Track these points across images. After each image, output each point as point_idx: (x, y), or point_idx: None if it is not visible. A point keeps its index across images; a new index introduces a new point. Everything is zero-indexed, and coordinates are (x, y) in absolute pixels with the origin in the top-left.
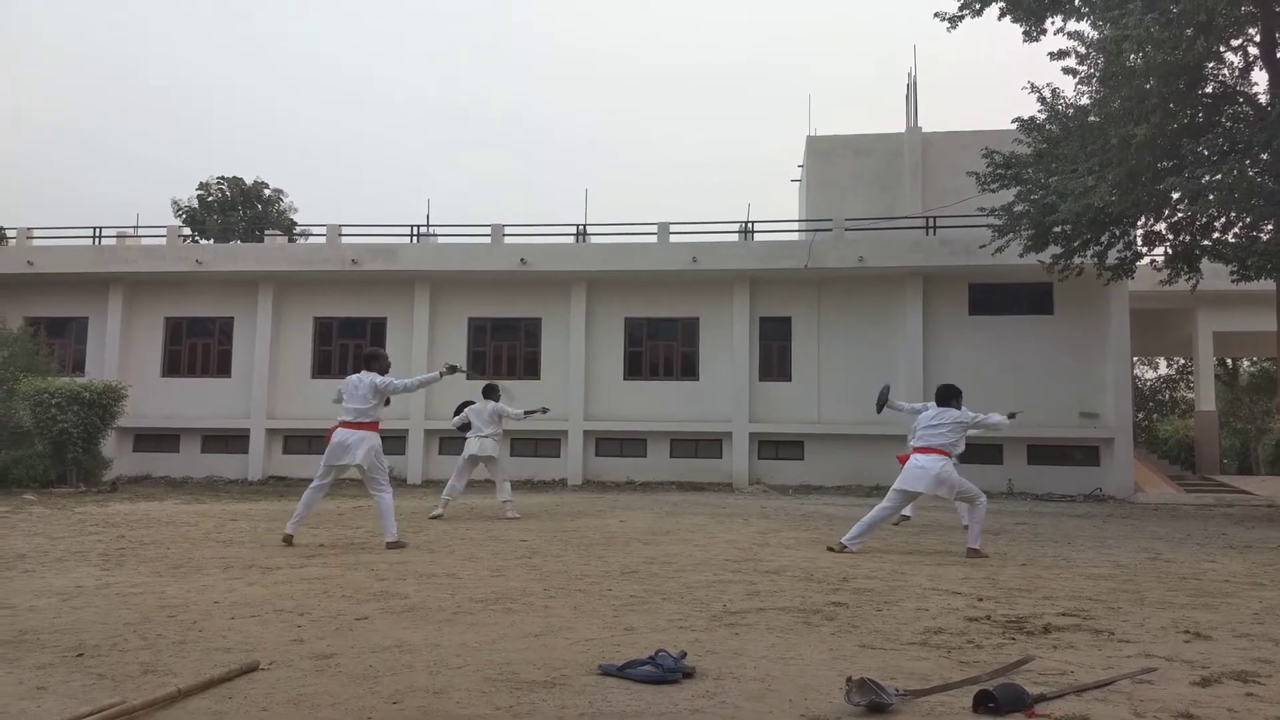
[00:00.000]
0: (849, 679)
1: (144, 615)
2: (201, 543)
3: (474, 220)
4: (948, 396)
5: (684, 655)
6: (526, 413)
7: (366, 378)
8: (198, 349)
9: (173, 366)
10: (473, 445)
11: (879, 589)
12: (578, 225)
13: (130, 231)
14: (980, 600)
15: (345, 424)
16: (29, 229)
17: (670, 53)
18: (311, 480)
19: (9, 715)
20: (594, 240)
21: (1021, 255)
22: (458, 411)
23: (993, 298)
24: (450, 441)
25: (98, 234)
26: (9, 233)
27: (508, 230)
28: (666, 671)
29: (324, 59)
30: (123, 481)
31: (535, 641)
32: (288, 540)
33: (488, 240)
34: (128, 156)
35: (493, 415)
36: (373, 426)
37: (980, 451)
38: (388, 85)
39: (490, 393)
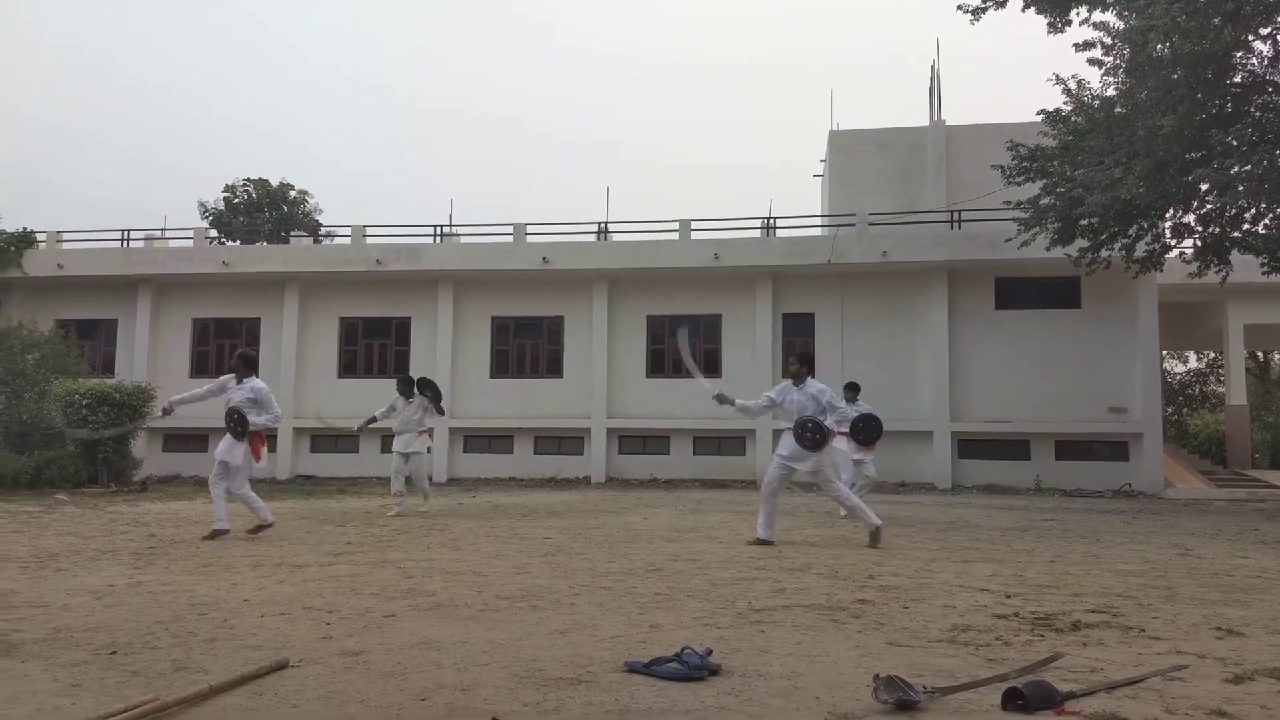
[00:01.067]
0: (876, 676)
1: (175, 613)
2: (230, 541)
3: (496, 220)
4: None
5: (710, 652)
6: (359, 427)
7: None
8: (225, 349)
9: (200, 367)
10: (412, 443)
11: (905, 586)
12: (599, 223)
13: (158, 234)
14: (1008, 597)
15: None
16: (58, 233)
17: (687, 51)
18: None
19: (45, 712)
20: (615, 238)
21: (1048, 249)
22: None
23: (1019, 292)
24: (475, 439)
25: (126, 237)
26: (39, 236)
27: (529, 229)
28: (692, 669)
29: (344, 64)
30: (153, 481)
31: (561, 639)
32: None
33: (510, 239)
34: (153, 161)
35: (423, 410)
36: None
37: (1008, 448)
38: (409, 89)
39: (425, 387)
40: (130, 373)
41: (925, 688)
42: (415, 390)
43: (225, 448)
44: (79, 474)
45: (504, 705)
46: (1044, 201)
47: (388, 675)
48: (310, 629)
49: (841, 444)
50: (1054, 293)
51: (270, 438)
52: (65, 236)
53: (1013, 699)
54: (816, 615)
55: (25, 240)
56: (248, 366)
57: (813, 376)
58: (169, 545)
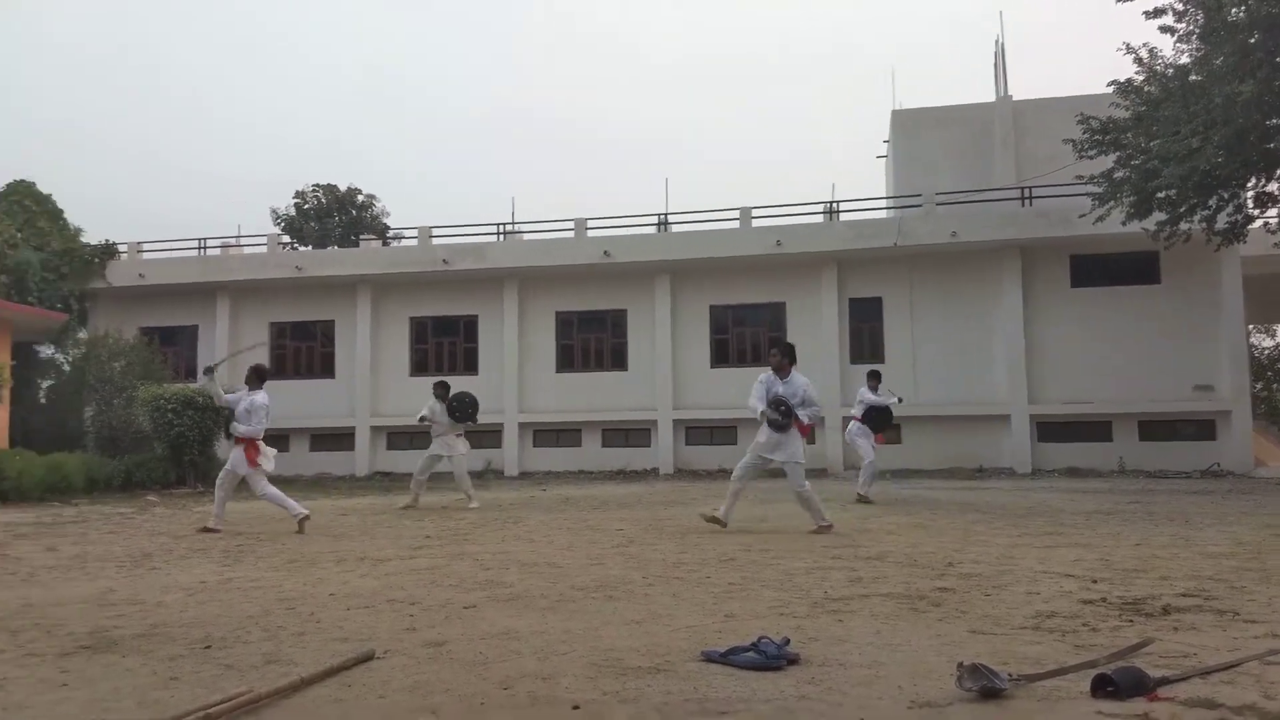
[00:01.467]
0: (960, 664)
1: (264, 608)
2: (314, 538)
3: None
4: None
5: (787, 642)
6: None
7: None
8: (302, 351)
9: (279, 369)
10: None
11: (987, 573)
12: (659, 215)
13: (233, 242)
14: (1094, 582)
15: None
16: (139, 244)
17: (741, 37)
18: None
19: (146, 704)
20: (675, 229)
21: (1124, 224)
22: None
23: (1095, 269)
24: (544, 434)
25: (203, 246)
26: (120, 248)
27: (590, 223)
28: (770, 658)
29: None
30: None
31: (637, 628)
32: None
33: (571, 234)
34: (221, 171)
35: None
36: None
37: (1090, 429)
38: (464, 89)
39: (445, 391)
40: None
41: (1010, 675)
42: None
43: (232, 455)
44: (167, 476)
45: (584, 694)
46: (1118, 175)
47: (470, 665)
48: (394, 621)
49: (855, 430)
50: (1132, 268)
51: (347, 436)
52: (145, 247)
53: (1103, 686)
54: (895, 604)
55: (108, 252)
56: (258, 379)
57: (795, 366)
58: (255, 543)
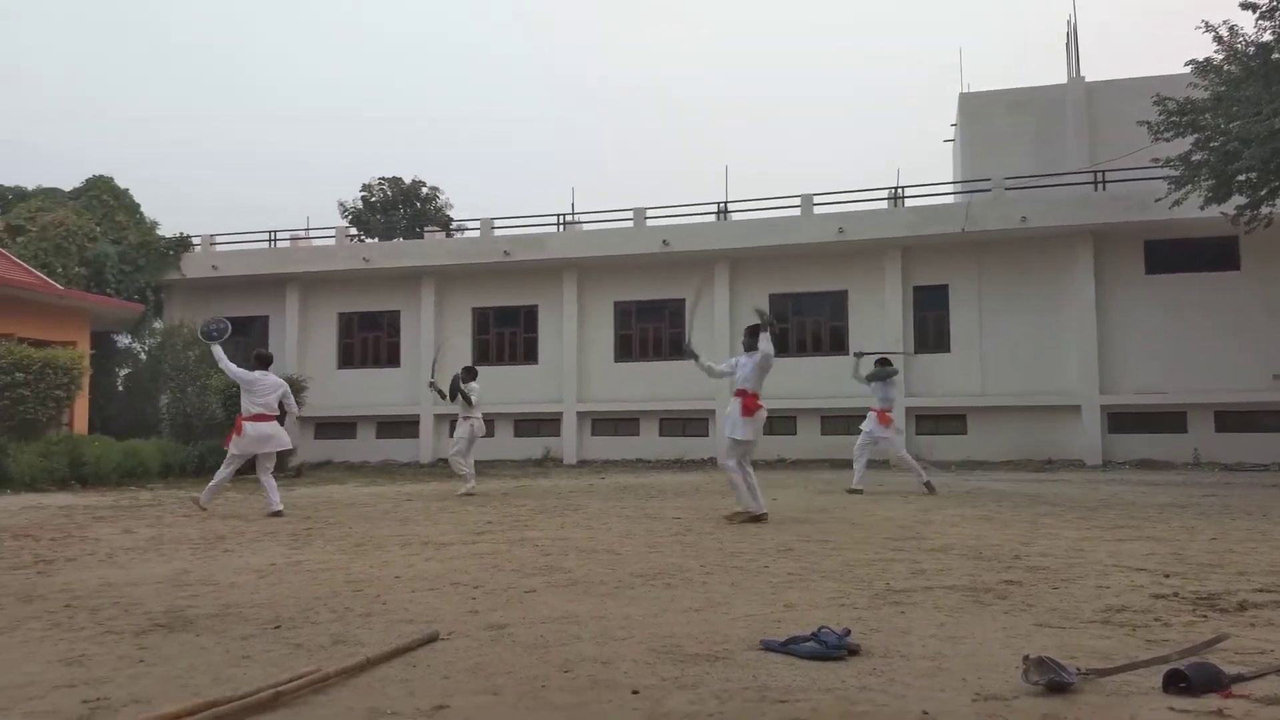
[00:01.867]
0: (1026, 657)
1: (332, 589)
2: (380, 522)
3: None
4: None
5: (848, 632)
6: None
7: (274, 378)
8: (368, 342)
9: (346, 359)
10: (480, 427)
11: (1055, 566)
12: (719, 203)
13: (302, 234)
14: (1167, 577)
15: (261, 417)
16: (211, 236)
17: (804, 15)
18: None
19: (220, 681)
20: (735, 217)
21: (1202, 208)
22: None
23: (1172, 255)
24: (602, 423)
25: (273, 238)
26: (194, 241)
27: (649, 213)
28: (830, 648)
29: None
30: (306, 467)
31: (695, 616)
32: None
33: (630, 224)
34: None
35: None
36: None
37: (1163, 420)
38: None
39: (469, 375)
40: (282, 366)
41: (1079, 669)
42: (470, 377)
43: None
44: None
45: (643, 679)
46: (1196, 157)
47: (531, 648)
48: (457, 604)
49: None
50: (1210, 254)
51: (412, 424)
52: (218, 240)
53: (1175, 681)
54: (960, 596)
55: (182, 245)
56: (259, 362)
57: (758, 345)
58: (324, 526)
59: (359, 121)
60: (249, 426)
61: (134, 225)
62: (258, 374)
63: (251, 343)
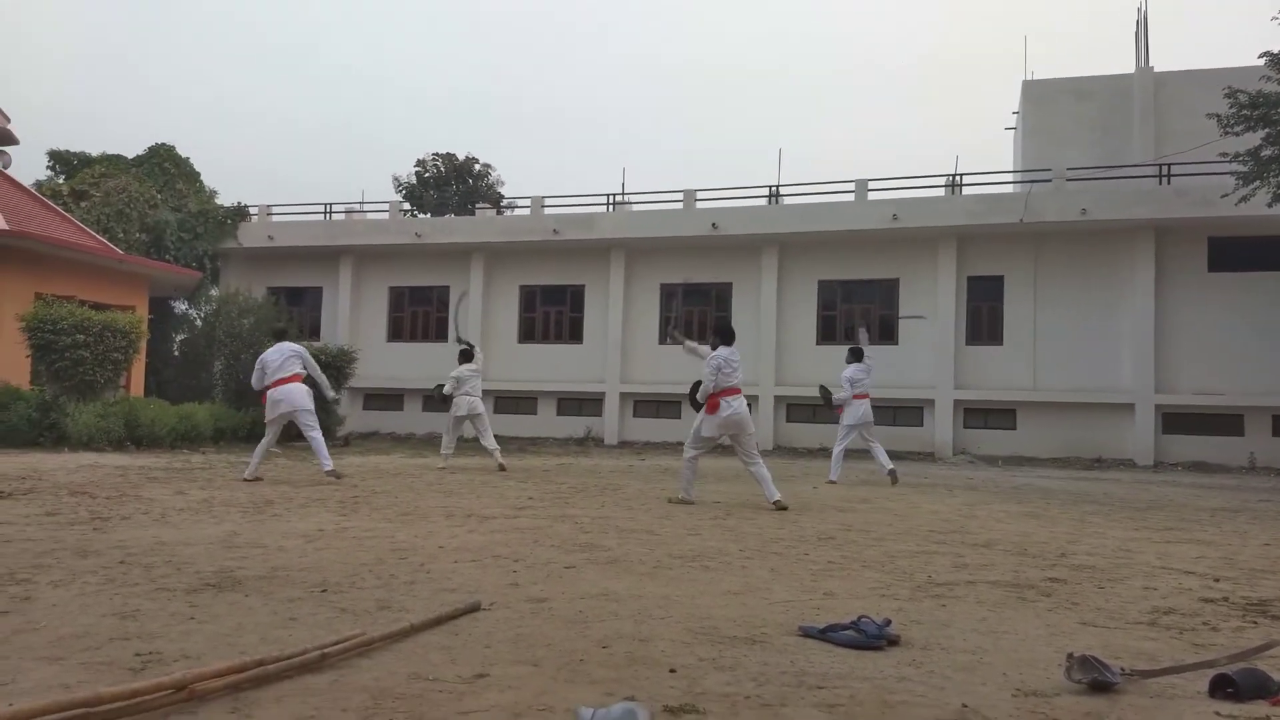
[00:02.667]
0: (1069, 655)
1: (378, 557)
2: (425, 493)
3: (668, 187)
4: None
5: (888, 623)
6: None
7: (287, 346)
8: (418, 316)
9: (396, 332)
10: (463, 405)
11: (1101, 565)
12: (770, 187)
13: (357, 207)
14: (1217, 581)
15: (278, 382)
16: (268, 207)
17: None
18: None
19: (268, 641)
20: (786, 202)
21: (1270, 205)
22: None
23: (1236, 252)
24: (644, 404)
25: (328, 210)
26: (251, 211)
27: (699, 195)
28: (870, 638)
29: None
30: (354, 437)
31: (734, 599)
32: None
33: (679, 206)
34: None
35: (477, 374)
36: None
37: (1219, 423)
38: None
39: (467, 357)
40: (335, 336)
41: (1123, 669)
42: (467, 359)
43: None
44: (290, 429)
45: (681, 659)
46: (1266, 153)
47: (571, 622)
48: (499, 576)
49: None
50: (1276, 253)
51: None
52: (274, 211)
53: (1222, 686)
54: (1003, 592)
55: (240, 214)
56: (274, 337)
57: (726, 345)
58: (370, 495)
59: (417, 96)
60: (269, 393)
61: (194, 194)
62: (270, 350)
63: (304, 313)
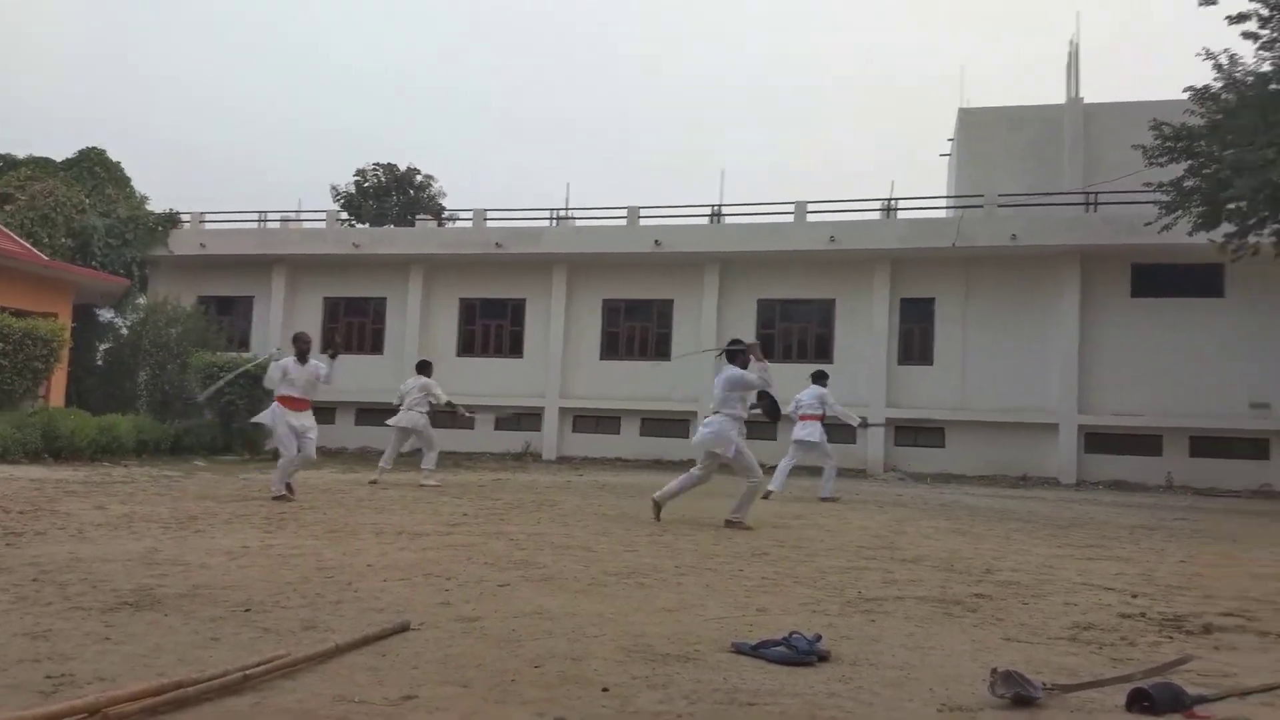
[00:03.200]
0: (993, 670)
1: (304, 575)
2: (355, 509)
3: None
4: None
5: (819, 639)
6: (448, 403)
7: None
8: (354, 327)
9: (329, 343)
10: (402, 419)
11: (1025, 582)
12: (713, 206)
13: (293, 216)
14: (1134, 597)
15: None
16: (201, 214)
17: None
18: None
19: (186, 662)
20: (729, 221)
21: (1190, 234)
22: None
23: (1158, 279)
24: (583, 419)
25: (263, 218)
26: (184, 217)
27: (643, 212)
28: (801, 654)
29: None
30: None
31: (668, 616)
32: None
33: (624, 222)
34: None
35: (422, 390)
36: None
37: (1139, 443)
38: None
39: (423, 369)
40: (265, 347)
41: (1044, 684)
42: (424, 371)
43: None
44: (215, 442)
45: (614, 677)
46: (1188, 184)
47: (503, 641)
48: (430, 595)
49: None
50: (1196, 280)
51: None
52: (207, 217)
53: (1138, 700)
54: (930, 607)
55: (171, 221)
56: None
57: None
58: (297, 511)
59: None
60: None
61: (124, 199)
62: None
63: (234, 321)
